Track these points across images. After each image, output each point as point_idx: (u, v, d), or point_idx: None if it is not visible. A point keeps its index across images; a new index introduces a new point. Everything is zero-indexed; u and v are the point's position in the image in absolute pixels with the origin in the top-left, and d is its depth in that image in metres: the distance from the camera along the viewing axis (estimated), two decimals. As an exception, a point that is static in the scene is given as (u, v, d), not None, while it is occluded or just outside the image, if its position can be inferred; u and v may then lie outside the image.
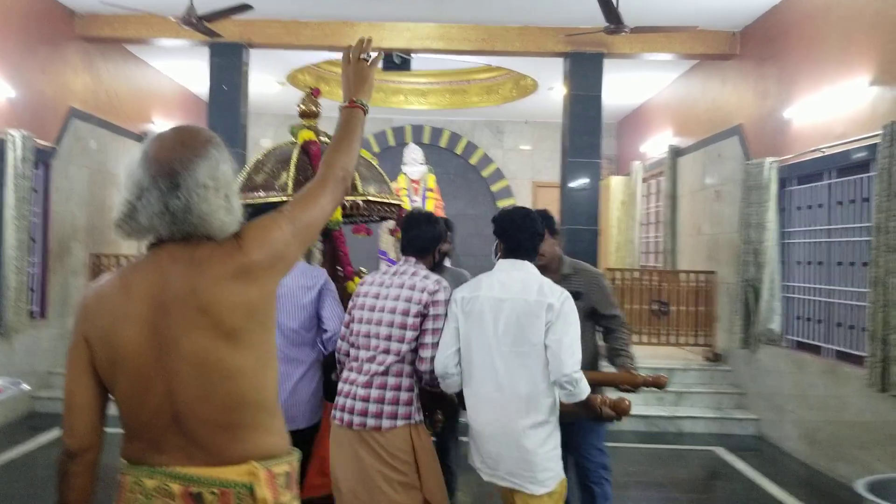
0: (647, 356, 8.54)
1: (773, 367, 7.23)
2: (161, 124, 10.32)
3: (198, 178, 1.66)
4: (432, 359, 3.10)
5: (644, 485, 5.99)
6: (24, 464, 6.02)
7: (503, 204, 13.17)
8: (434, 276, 3.28)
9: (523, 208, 3.30)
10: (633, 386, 3.49)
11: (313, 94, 4.12)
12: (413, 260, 3.29)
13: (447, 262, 4.56)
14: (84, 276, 8.47)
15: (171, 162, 1.66)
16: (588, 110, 8.52)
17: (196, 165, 1.67)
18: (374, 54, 2.21)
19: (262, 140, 13.17)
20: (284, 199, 3.66)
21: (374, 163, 4.24)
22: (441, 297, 3.17)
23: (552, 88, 10.56)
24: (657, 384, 3.53)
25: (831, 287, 6.45)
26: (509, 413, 2.94)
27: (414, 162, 10.99)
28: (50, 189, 7.74)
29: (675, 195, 10.02)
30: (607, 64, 8.60)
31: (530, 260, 3.13)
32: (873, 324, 5.37)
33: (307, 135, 3.91)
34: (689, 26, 7.38)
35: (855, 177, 6.15)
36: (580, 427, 3.67)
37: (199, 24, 6.60)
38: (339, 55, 9.79)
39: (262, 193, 3.74)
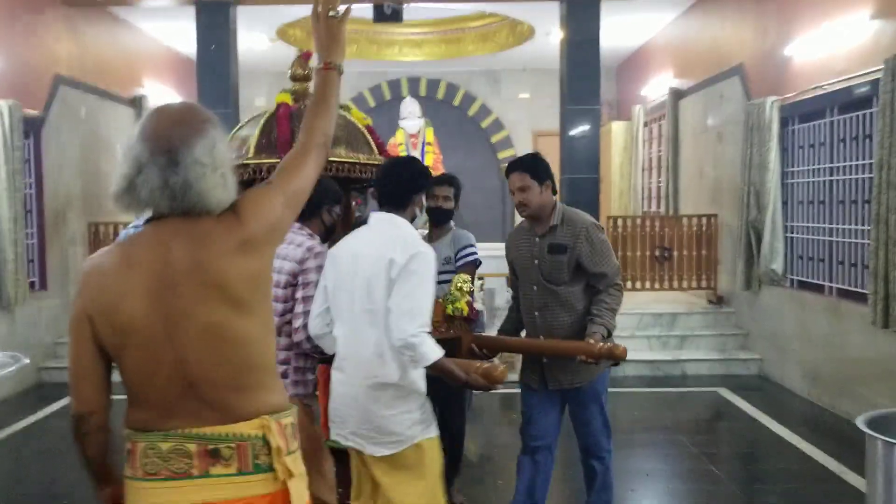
0: (650, 301, 8.54)
1: (776, 308, 7.19)
2: (151, 88, 10.19)
3: (196, 155, 1.71)
4: (305, 326, 3.03)
5: (649, 429, 6.01)
6: (33, 433, 6.08)
7: (503, 155, 13.03)
8: (308, 243, 3.14)
9: (411, 157, 3.19)
10: (590, 357, 3.19)
11: (303, 56, 4.02)
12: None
13: (451, 224, 4.37)
14: (82, 246, 8.44)
15: (171, 139, 1.71)
16: (586, 55, 8.34)
17: (194, 143, 1.72)
18: (342, 8, 2.11)
19: (256, 100, 13.01)
20: (246, 162, 3.59)
21: (357, 122, 4.06)
22: (311, 264, 3.09)
23: (549, 33, 10.34)
24: (612, 356, 3.22)
25: (833, 226, 6.37)
26: (357, 373, 2.83)
27: (411, 115, 10.82)
28: (42, 158, 7.67)
29: (677, 138, 9.87)
30: (605, 6, 8.39)
31: (400, 211, 2.94)
32: (875, 261, 5.32)
33: (283, 97, 3.86)
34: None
35: (857, 113, 6.01)
36: (577, 399, 3.52)
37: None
38: (328, 8, 9.67)
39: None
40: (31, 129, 7.48)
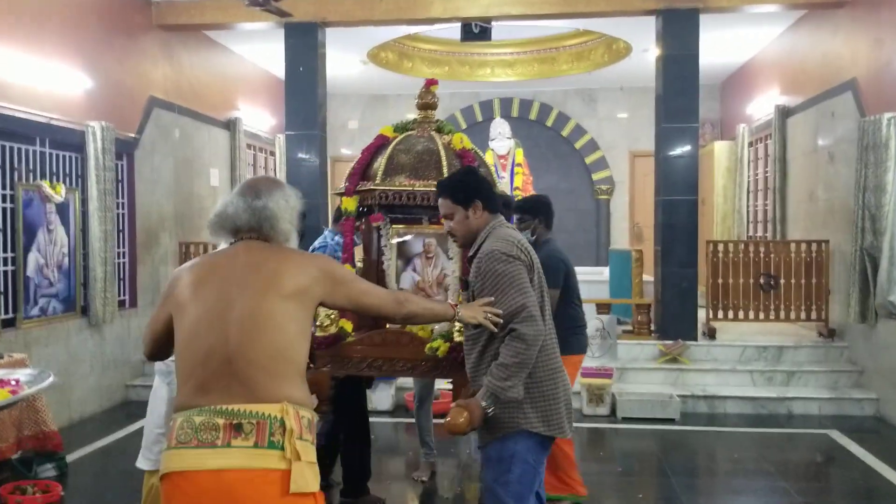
0: (754, 333, 7.97)
1: (895, 343, 6.53)
2: (245, 110, 10.33)
3: (274, 196, 2.34)
4: None
5: (750, 473, 5.49)
6: (118, 450, 6.13)
7: (598, 176, 12.62)
8: None
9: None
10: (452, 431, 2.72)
11: (428, 84, 4.06)
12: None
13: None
14: (173, 264, 8.55)
15: (257, 185, 2.38)
16: (683, 71, 7.90)
17: (273, 191, 2.35)
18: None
19: (350, 122, 13.12)
20: (373, 188, 3.72)
21: (448, 146, 3.89)
22: None
23: (647, 50, 9.92)
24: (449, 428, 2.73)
25: (964, 254, 5.73)
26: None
27: (501, 136, 10.60)
28: (135, 179, 7.82)
29: (785, 159, 9.25)
30: (705, 20, 7.95)
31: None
32: None
33: (385, 130, 3.98)
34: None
35: None
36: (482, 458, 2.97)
37: (265, 2, 6.44)
38: (419, 29, 9.52)
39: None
40: (125, 150, 7.63)
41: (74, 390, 6.78)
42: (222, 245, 2.47)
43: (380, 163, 3.78)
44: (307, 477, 2.08)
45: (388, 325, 3.66)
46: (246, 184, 2.38)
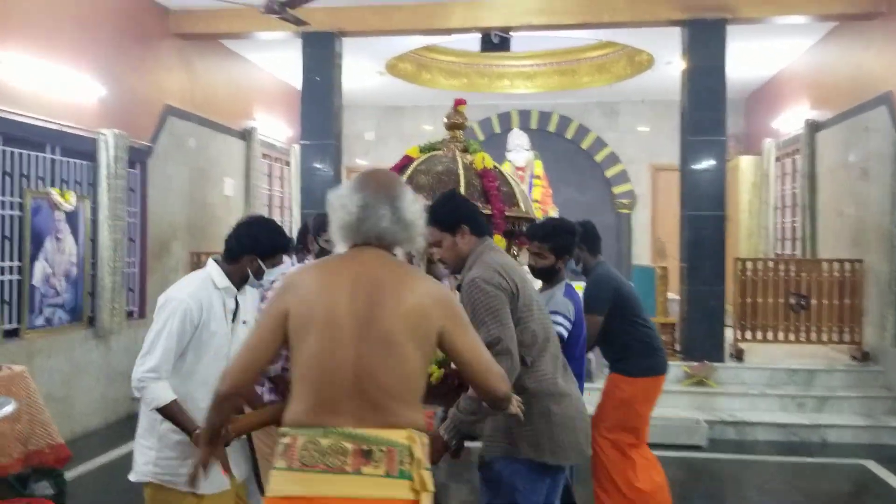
0: (783, 355, 7.69)
1: (937, 370, 6.26)
2: (261, 120, 10.18)
3: (407, 202, 2.19)
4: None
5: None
6: (122, 466, 5.90)
7: (619, 190, 12.37)
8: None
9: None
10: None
11: (457, 104, 4.02)
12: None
13: (563, 279, 3.74)
14: (184, 274, 8.32)
15: (391, 189, 2.19)
16: (710, 83, 7.67)
17: (406, 194, 2.21)
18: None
19: (366, 133, 12.96)
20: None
21: (469, 167, 3.81)
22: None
23: (670, 63, 9.71)
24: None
25: None
26: None
27: (519, 148, 10.39)
28: (147, 188, 7.66)
29: (814, 175, 8.97)
30: (732, 31, 7.72)
31: (224, 258, 2.99)
32: None
33: (412, 151, 3.94)
34: (826, -20, 6.45)
35: None
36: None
37: (282, 10, 6.27)
38: (437, 40, 9.36)
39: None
40: (138, 158, 7.48)
41: (77, 403, 6.60)
42: (339, 249, 2.26)
43: None
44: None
45: None
46: (378, 183, 2.18)
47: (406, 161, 3.87)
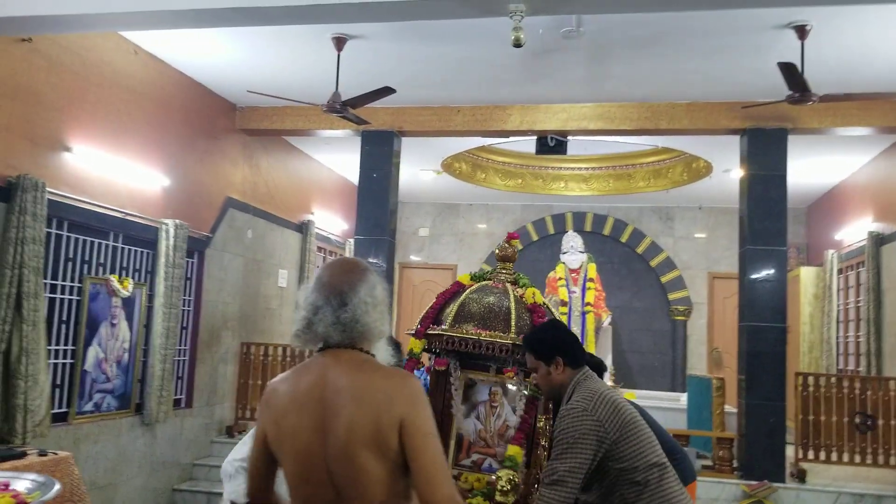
0: (849, 478, 7.25)
1: None
2: (318, 214, 10.37)
3: (360, 296, 2.11)
4: None
5: None
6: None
7: (675, 296, 12.15)
8: None
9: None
10: None
11: (509, 238, 4.19)
12: None
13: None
14: (233, 365, 8.40)
15: (340, 285, 2.12)
16: (770, 192, 7.55)
17: (359, 287, 2.12)
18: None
19: (421, 229, 13.08)
20: (441, 332, 3.75)
21: (521, 300, 3.93)
22: None
23: (728, 170, 9.66)
24: None
25: None
26: None
27: (573, 250, 10.36)
28: (203, 277, 7.78)
29: (879, 289, 8.67)
30: (793, 142, 7.66)
31: None
32: None
33: (463, 278, 4.10)
34: (888, 93, 6.39)
35: None
36: None
37: (343, 110, 6.46)
38: (494, 141, 9.51)
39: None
40: (197, 248, 7.64)
41: (120, 490, 6.54)
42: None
43: (451, 309, 3.90)
44: None
45: None
46: (328, 283, 2.12)
47: (457, 287, 4.04)
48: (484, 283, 4.05)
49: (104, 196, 6.28)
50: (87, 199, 6.06)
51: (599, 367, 3.78)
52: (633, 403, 4.34)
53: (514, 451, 3.43)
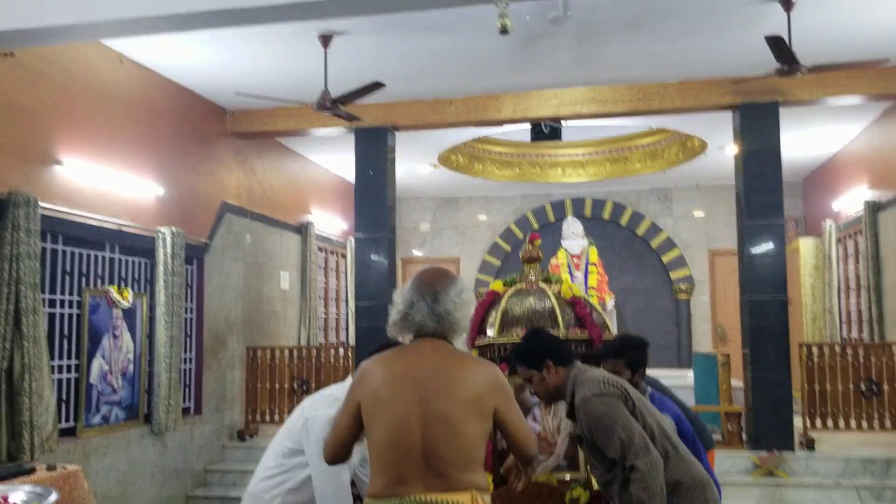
0: (857, 444, 7.28)
1: None
2: (317, 214, 10.37)
3: (451, 297, 2.54)
4: None
5: None
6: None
7: (677, 275, 12.15)
8: None
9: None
10: None
11: (532, 239, 4.33)
12: None
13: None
14: (240, 370, 8.42)
15: (434, 285, 2.56)
16: (765, 166, 7.54)
17: (449, 290, 2.55)
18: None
19: (422, 225, 13.10)
20: (490, 342, 3.92)
21: (559, 296, 4.09)
22: None
23: (723, 147, 9.64)
24: None
25: None
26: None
27: (573, 236, 10.38)
28: (204, 284, 7.79)
29: (878, 256, 8.68)
30: (786, 115, 7.65)
31: None
32: None
33: (495, 285, 4.22)
34: (876, 60, 6.35)
35: None
36: None
37: (333, 107, 6.45)
38: (489, 131, 9.49)
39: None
40: (195, 255, 7.65)
41: (132, 501, 6.56)
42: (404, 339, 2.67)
43: (495, 317, 4.02)
44: None
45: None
46: (423, 282, 2.57)
47: (493, 296, 4.17)
48: (517, 287, 4.18)
49: (98, 207, 6.28)
50: (80, 212, 6.06)
51: (643, 346, 3.71)
52: (650, 377, 4.39)
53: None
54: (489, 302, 4.19)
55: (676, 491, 2.80)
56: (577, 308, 3.95)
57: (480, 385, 2.46)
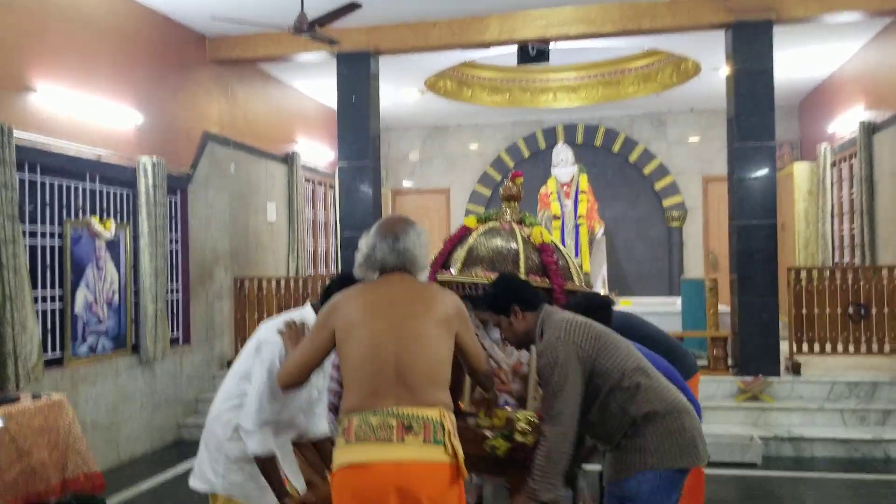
0: (843, 367, 7.32)
1: None
2: (303, 144, 10.23)
3: (409, 238, 2.74)
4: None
5: (843, 529, 4.90)
6: (168, 491, 5.97)
7: (669, 203, 12.06)
8: None
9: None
10: None
11: (513, 177, 4.24)
12: None
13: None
14: (229, 300, 8.42)
15: (394, 227, 2.76)
16: (756, 87, 7.38)
17: (409, 232, 2.75)
18: None
19: (411, 154, 12.94)
20: (451, 280, 3.86)
21: (528, 240, 4.02)
22: None
23: (717, 69, 9.44)
24: None
25: None
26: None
27: (563, 163, 10.26)
28: (188, 215, 7.72)
29: (872, 178, 8.58)
30: (780, 34, 7.46)
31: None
32: None
33: (468, 221, 4.17)
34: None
35: None
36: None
37: (311, 30, 6.27)
38: (476, 55, 9.26)
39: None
40: (178, 186, 7.56)
41: (123, 429, 6.64)
42: (371, 277, 2.82)
43: (460, 253, 3.97)
44: (464, 468, 2.58)
45: (463, 418, 3.58)
46: (383, 227, 2.78)
47: (464, 231, 4.11)
48: (491, 224, 4.11)
49: (76, 136, 6.17)
50: (58, 141, 5.96)
51: (606, 306, 3.71)
52: (623, 312, 4.36)
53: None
54: (459, 237, 4.12)
55: (651, 419, 2.83)
56: (544, 255, 3.90)
57: (449, 309, 2.69)
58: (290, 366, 2.71)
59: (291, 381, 2.71)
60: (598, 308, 3.57)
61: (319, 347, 2.69)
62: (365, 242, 2.79)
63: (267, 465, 2.96)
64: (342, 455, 2.55)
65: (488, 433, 3.36)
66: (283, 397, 2.98)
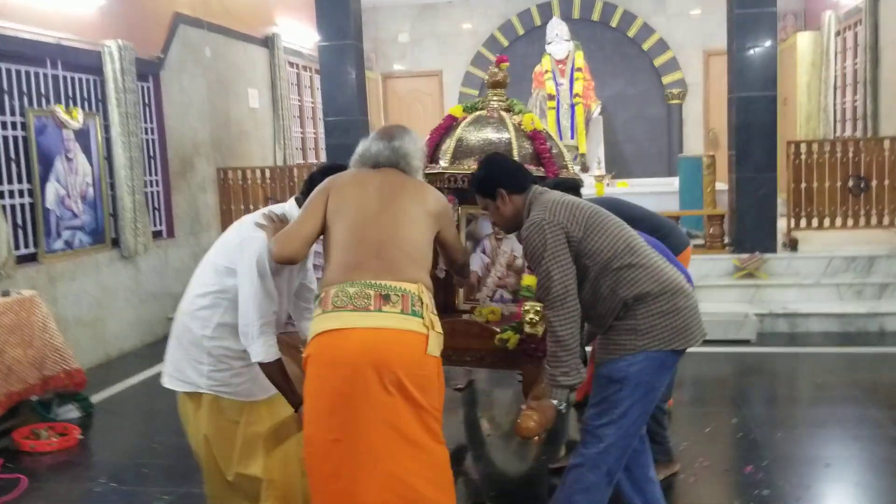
0: (841, 242, 7.18)
1: None
2: (285, 25, 9.75)
3: (405, 139, 2.83)
4: None
5: (835, 400, 4.84)
6: (154, 386, 5.85)
7: (669, 80, 11.61)
8: None
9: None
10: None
11: (499, 62, 4.11)
12: None
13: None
14: (212, 192, 8.20)
15: (391, 130, 2.88)
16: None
17: (404, 135, 2.85)
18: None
19: (400, 35, 12.42)
20: (443, 171, 3.84)
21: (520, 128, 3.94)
22: None
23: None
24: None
25: None
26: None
27: (558, 39, 9.80)
28: (162, 102, 7.40)
29: (877, 47, 8.19)
30: None
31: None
32: None
33: (454, 110, 4.08)
34: None
35: None
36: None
37: None
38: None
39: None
40: (150, 71, 7.20)
41: (109, 326, 6.56)
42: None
43: (448, 145, 3.87)
44: (439, 343, 2.54)
45: (458, 315, 3.63)
46: (381, 130, 2.88)
47: (450, 121, 3.96)
48: (477, 113, 3.99)
49: (32, 19, 5.80)
50: (12, 25, 5.60)
51: (576, 188, 3.61)
52: (609, 197, 4.25)
53: (528, 280, 3.50)
54: (446, 127, 4.02)
55: (643, 300, 2.72)
56: (537, 143, 3.82)
57: (436, 204, 2.75)
58: (288, 233, 2.65)
59: (289, 249, 2.62)
60: (566, 190, 3.39)
61: (314, 222, 2.66)
62: (361, 145, 2.85)
63: (273, 372, 2.80)
64: (318, 324, 2.51)
65: (496, 328, 3.44)
66: (276, 294, 2.84)
